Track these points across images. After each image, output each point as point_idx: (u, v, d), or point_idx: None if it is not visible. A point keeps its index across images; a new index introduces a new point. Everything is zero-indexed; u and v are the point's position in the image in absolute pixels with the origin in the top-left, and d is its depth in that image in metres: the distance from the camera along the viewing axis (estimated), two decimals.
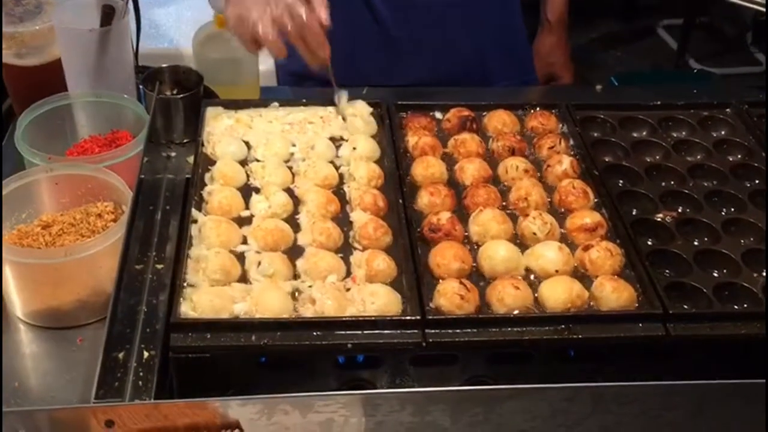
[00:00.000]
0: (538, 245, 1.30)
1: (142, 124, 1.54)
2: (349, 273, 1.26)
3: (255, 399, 1.02)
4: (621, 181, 1.49)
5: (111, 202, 1.43)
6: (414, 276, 1.23)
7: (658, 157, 1.55)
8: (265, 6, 1.47)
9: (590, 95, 1.91)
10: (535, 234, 1.32)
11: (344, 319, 1.17)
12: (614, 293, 1.22)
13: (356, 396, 1.06)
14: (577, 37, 2.32)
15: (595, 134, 1.60)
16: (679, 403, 1.08)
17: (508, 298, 1.20)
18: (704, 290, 1.26)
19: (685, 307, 1.23)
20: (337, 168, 1.46)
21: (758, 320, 1.20)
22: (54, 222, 1.40)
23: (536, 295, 1.24)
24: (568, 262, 1.28)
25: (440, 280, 1.24)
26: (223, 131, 1.51)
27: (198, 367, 1.14)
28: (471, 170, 1.45)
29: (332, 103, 1.57)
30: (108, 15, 1.67)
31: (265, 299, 1.18)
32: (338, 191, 1.42)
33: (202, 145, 1.47)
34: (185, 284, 1.21)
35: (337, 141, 1.52)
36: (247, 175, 1.43)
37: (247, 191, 1.39)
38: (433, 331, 1.16)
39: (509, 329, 1.17)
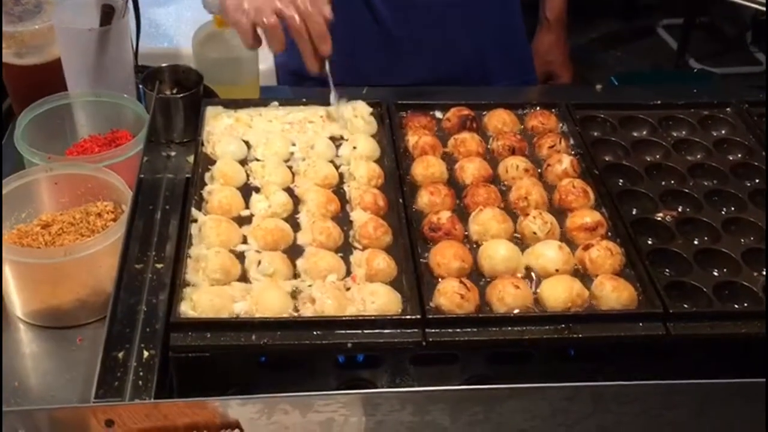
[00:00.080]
0: (538, 244, 1.30)
1: (142, 123, 1.54)
2: (349, 272, 1.26)
3: (255, 398, 1.02)
4: (621, 181, 1.49)
5: (111, 201, 1.43)
6: (414, 275, 1.23)
7: (658, 157, 1.55)
8: None
9: (590, 95, 1.91)
10: (535, 233, 1.32)
11: (344, 318, 1.17)
12: (614, 292, 1.22)
13: (356, 395, 1.06)
14: (577, 36, 2.33)
15: (595, 133, 1.60)
16: (679, 402, 1.08)
17: (508, 297, 1.20)
18: (704, 289, 1.25)
19: (686, 306, 1.23)
20: (337, 167, 1.46)
21: (758, 319, 1.20)
22: (54, 221, 1.40)
23: (536, 294, 1.24)
24: (569, 261, 1.28)
25: (440, 280, 1.24)
26: (223, 131, 1.51)
27: (198, 366, 1.14)
28: (471, 169, 1.45)
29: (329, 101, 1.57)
30: (107, 14, 1.67)
31: (265, 299, 1.18)
32: (338, 191, 1.41)
33: (202, 144, 1.47)
34: (185, 284, 1.20)
35: (337, 140, 1.51)
36: (247, 175, 1.43)
37: (247, 191, 1.39)
38: (433, 330, 1.16)
39: (509, 328, 1.17)
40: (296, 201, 1.38)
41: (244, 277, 1.24)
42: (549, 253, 1.28)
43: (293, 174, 1.44)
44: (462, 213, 1.37)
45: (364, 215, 1.34)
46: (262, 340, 1.13)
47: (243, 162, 1.45)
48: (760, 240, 1.36)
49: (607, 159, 1.53)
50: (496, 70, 2.03)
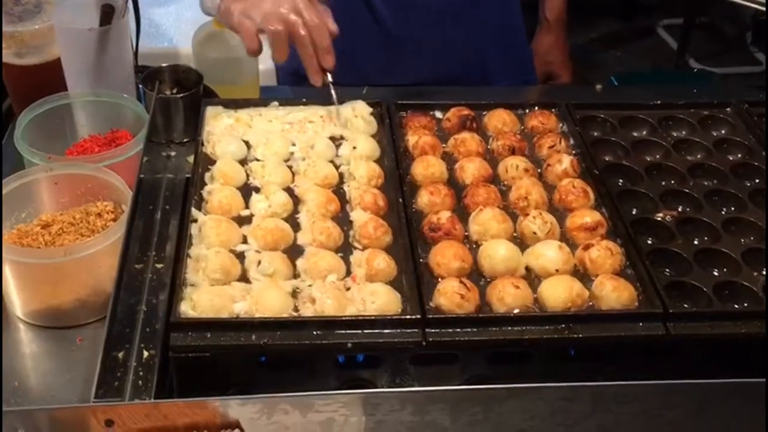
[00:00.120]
0: (538, 244, 1.30)
1: (142, 123, 1.54)
2: (349, 272, 1.26)
3: (255, 398, 1.02)
4: (621, 181, 1.49)
5: (111, 201, 1.43)
6: (414, 275, 1.23)
7: (658, 157, 1.55)
8: (274, 5, 1.47)
9: (590, 95, 1.91)
10: (535, 233, 1.32)
11: (344, 318, 1.17)
12: (614, 292, 1.22)
13: (356, 395, 1.06)
14: (577, 36, 2.33)
15: (595, 133, 1.60)
16: (679, 402, 1.08)
17: (508, 297, 1.20)
18: (704, 289, 1.25)
19: (686, 306, 1.23)
20: (337, 167, 1.46)
21: (758, 319, 1.20)
22: (54, 221, 1.40)
23: (536, 294, 1.24)
24: (568, 261, 1.28)
25: (440, 280, 1.24)
26: (222, 131, 1.51)
27: (198, 366, 1.14)
28: (471, 169, 1.45)
29: (332, 104, 1.57)
30: (107, 14, 1.67)
31: (265, 298, 1.18)
32: (338, 190, 1.41)
33: (202, 144, 1.47)
34: (185, 283, 1.20)
35: (337, 140, 1.51)
36: (247, 175, 1.43)
37: (247, 191, 1.39)
38: (433, 330, 1.16)
39: (509, 328, 1.17)
40: (296, 201, 1.38)
41: (244, 277, 1.24)
42: (549, 253, 1.28)
43: (293, 174, 1.44)
44: (462, 213, 1.37)
45: (364, 215, 1.34)
46: (262, 340, 1.13)
47: (243, 162, 1.45)
48: (760, 240, 1.36)
49: (607, 159, 1.53)
50: (496, 70, 2.03)
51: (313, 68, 1.50)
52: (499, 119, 1.58)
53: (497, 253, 1.28)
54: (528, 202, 1.38)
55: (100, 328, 1.19)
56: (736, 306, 1.25)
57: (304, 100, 1.60)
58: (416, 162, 1.47)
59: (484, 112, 1.61)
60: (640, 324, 1.19)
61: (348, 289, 1.22)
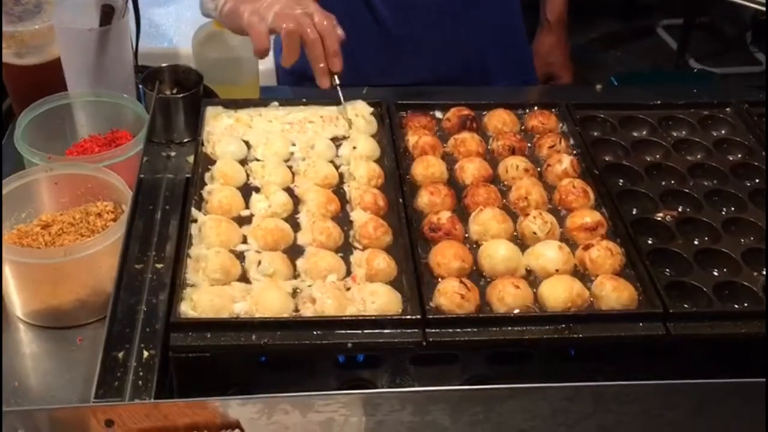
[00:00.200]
0: (538, 244, 1.30)
1: (142, 123, 1.54)
2: (349, 272, 1.26)
3: (255, 398, 1.02)
4: (621, 181, 1.49)
5: (111, 201, 1.43)
6: (414, 275, 1.23)
7: (658, 157, 1.55)
8: (285, 8, 1.48)
9: (590, 95, 1.91)
10: (535, 233, 1.32)
11: (344, 318, 1.17)
12: (614, 292, 1.22)
13: (356, 395, 1.06)
14: (577, 37, 2.33)
15: (595, 133, 1.60)
16: (679, 402, 1.08)
17: (508, 297, 1.20)
18: (704, 289, 1.25)
19: (686, 306, 1.23)
20: (337, 167, 1.46)
21: (758, 319, 1.20)
22: (54, 221, 1.40)
23: (536, 294, 1.24)
24: (569, 261, 1.28)
25: (440, 280, 1.24)
26: (223, 131, 1.51)
27: (198, 366, 1.14)
28: (471, 169, 1.45)
29: (332, 103, 1.57)
30: (107, 14, 1.67)
31: (265, 299, 1.18)
32: (338, 191, 1.41)
33: (202, 144, 1.47)
34: (185, 284, 1.20)
35: (337, 140, 1.51)
36: (247, 175, 1.43)
37: (247, 191, 1.39)
38: (433, 330, 1.16)
39: (509, 328, 1.17)
40: (296, 201, 1.38)
41: (244, 277, 1.24)
42: (549, 253, 1.28)
43: (293, 174, 1.44)
44: (462, 213, 1.37)
45: (364, 215, 1.34)
46: (262, 340, 1.13)
47: (243, 162, 1.45)
48: (760, 240, 1.36)
49: (607, 159, 1.53)
50: (496, 70, 2.03)
51: (321, 71, 1.51)
52: (499, 119, 1.58)
53: (497, 253, 1.28)
54: (528, 202, 1.38)
55: (100, 328, 1.19)
56: (736, 306, 1.25)
57: (304, 100, 1.60)
58: (416, 162, 1.47)
59: (484, 112, 1.61)
60: (641, 324, 1.19)
61: (348, 289, 1.22)
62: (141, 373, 1.14)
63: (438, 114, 1.61)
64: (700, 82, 3.32)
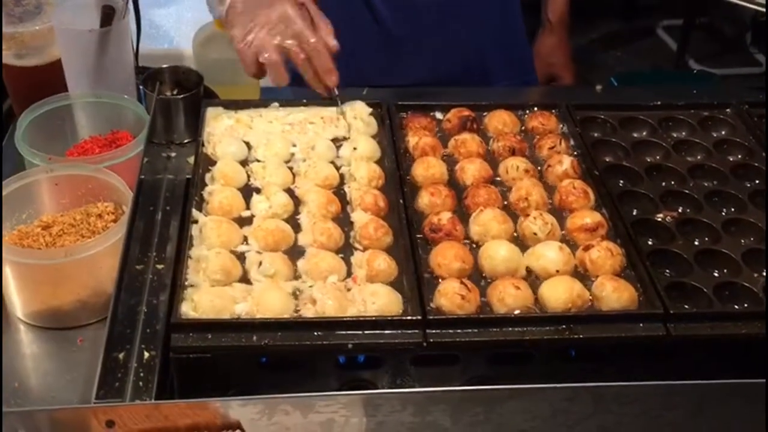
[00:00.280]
0: (538, 245, 1.30)
1: (143, 124, 1.54)
2: (349, 273, 1.26)
3: (256, 399, 1.02)
4: (621, 181, 1.49)
5: (111, 202, 1.43)
6: (415, 276, 1.23)
7: (658, 158, 1.55)
8: (272, 30, 1.47)
9: (590, 95, 1.91)
10: (535, 234, 1.32)
11: (345, 319, 1.17)
12: (615, 293, 1.22)
13: (357, 396, 1.06)
14: (576, 37, 2.33)
15: (596, 134, 1.60)
16: (679, 403, 1.08)
17: (508, 298, 1.20)
18: (705, 290, 1.26)
19: (686, 307, 1.23)
20: (337, 168, 1.46)
21: (758, 320, 1.20)
22: (54, 222, 1.40)
23: (537, 295, 1.24)
24: (569, 262, 1.28)
25: (441, 280, 1.24)
26: (223, 131, 1.51)
27: (199, 367, 1.14)
28: (471, 170, 1.45)
29: (332, 104, 1.57)
30: (108, 15, 1.67)
31: (265, 299, 1.18)
32: (339, 191, 1.41)
33: (203, 145, 1.47)
34: (186, 284, 1.20)
35: (337, 141, 1.52)
36: (248, 176, 1.43)
37: (247, 191, 1.39)
38: (433, 331, 1.16)
39: (510, 329, 1.17)
40: (297, 202, 1.38)
41: (244, 278, 1.24)
42: (549, 254, 1.28)
43: (294, 175, 1.44)
44: (462, 214, 1.37)
45: (365, 216, 1.34)
46: (263, 340, 1.13)
47: (243, 163, 1.45)
48: (760, 241, 1.36)
49: (607, 160, 1.54)
50: (497, 70, 2.03)
51: (317, 85, 1.52)
52: (499, 120, 1.58)
53: (498, 253, 1.28)
54: (528, 202, 1.39)
55: (101, 329, 1.19)
56: (736, 307, 1.25)
57: (304, 101, 1.60)
58: (417, 163, 1.47)
59: (485, 113, 1.61)
60: (641, 325, 1.19)
61: (349, 289, 1.22)
62: (142, 374, 1.14)
63: (438, 115, 1.61)
64: (701, 83, 3.32)
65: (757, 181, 1.50)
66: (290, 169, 1.45)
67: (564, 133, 1.58)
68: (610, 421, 1.07)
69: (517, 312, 1.20)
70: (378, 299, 1.19)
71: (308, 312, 1.18)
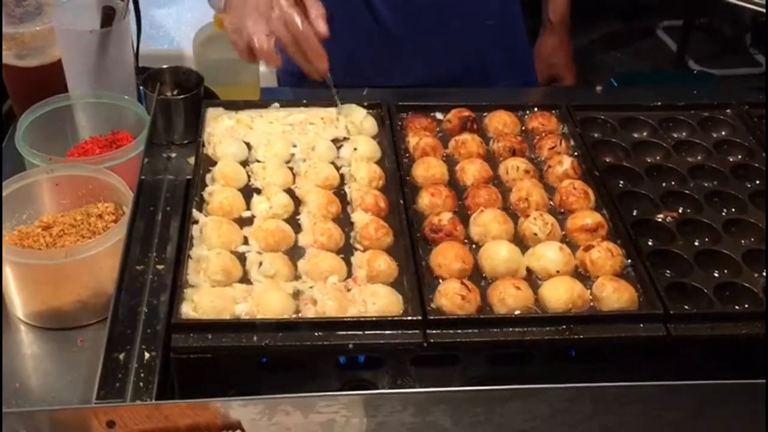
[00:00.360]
0: (539, 246, 1.30)
1: (143, 125, 1.54)
2: (350, 274, 1.26)
3: (256, 399, 1.02)
4: (621, 182, 1.49)
5: (112, 203, 1.43)
6: (415, 276, 1.23)
7: (658, 158, 1.55)
8: (261, 16, 1.47)
9: (590, 96, 1.91)
10: (536, 234, 1.32)
11: (345, 319, 1.17)
12: (615, 293, 1.22)
13: (358, 396, 1.06)
14: (577, 38, 2.32)
15: (596, 135, 1.60)
16: (679, 403, 1.08)
17: (509, 298, 1.20)
18: (705, 290, 1.26)
19: (686, 307, 1.23)
20: (338, 169, 1.46)
21: (759, 320, 1.20)
22: (54, 223, 1.40)
23: (537, 295, 1.24)
24: (569, 262, 1.28)
25: (441, 281, 1.24)
26: (223, 132, 1.52)
27: (199, 367, 1.14)
28: (472, 171, 1.45)
29: (333, 104, 1.58)
30: (108, 16, 1.67)
31: (266, 300, 1.18)
32: (339, 192, 1.42)
33: (203, 145, 1.47)
34: (186, 285, 1.21)
35: (338, 142, 1.52)
36: (248, 176, 1.43)
37: (248, 192, 1.39)
38: (434, 331, 1.16)
39: (510, 329, 1.17)
40: (297, 202, 1.38)
41: (245, 279, 1.24)
42: (550, 255, 1.28)
43: (294, 175, 1.44)
44: (463, 214, 1.37)
45: (365, 216, 1.34)
46: (263, 341, 1.13)
47: (244, 163, 1.46)
48: (760, 241, 1.36)
49: (607, 160, 1.54)
50: (497, 71, 2.03)
51: (307, 69, 1.51)
52: (499, 120, 1.58)
53: (498, 254, 1.28)
54: (529, 203, 1.39)
55: (101, 330, 1.19)
56: (736, 307, 1.25)
57: (304, 101, 1.60)
58: (417, 163, 1.47)
59: (485, 114, 1.61)
60: (641, 325, 1.19)
61: (349, 290, 1.22)
62: (142, 374, 1.14)
63: (439, 115, 1.61)
64: (701, 84, 3.33)
65: (757, 182, 1.50)
66: (290, 169, 1.45)
67: (564, 133, 1.58)
68: (610, 421, 1.07)
69: (517, 312, 1.20)
70: (378, 300, 1.19)
71: (309, 312, 1.18)
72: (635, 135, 1.61)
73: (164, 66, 1.69)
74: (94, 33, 1.63)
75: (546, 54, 2.18)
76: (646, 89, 1.91)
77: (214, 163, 1.43)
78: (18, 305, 1.34)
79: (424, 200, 1.39)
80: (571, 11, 2.18)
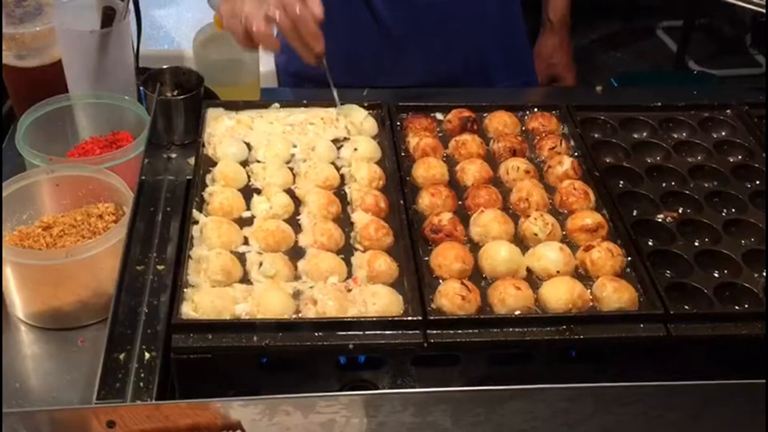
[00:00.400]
0: (539, 246, 1.31)
1: (143, 125, 1.54)
2: (350, 274, 1.26)
3: (257, 400, 1.02)
4: (622, 182, 1.49)
5: (112, 203, 1.43)
6: (415, 277, 1.23)
7: (658, 158, 1.55)
8: (257, 1, 1.47)
9: (591, 96, 1.91)
10: (536, 235, 1.32)
11: (346, 319, 1.17)
12: (615, 294, 1.22)
13: (358, 397, 1.06)
14: (577, 38, 2.33)
15: (596, 135, 1.60)
16: (679, 403, 1.08)
17: (509, 298, 1.20)
18: (705, 291, 1.26)
19: (686, 307, 1.23)
20: (338, 169, 1.46)
21: (759, 320, 1.20)
22: (55, 223, 1.40)
23: (537, 295, 1.24)
24: (569, 262, 1.28)
25: (441, 281, 1.24)
26: (223, 132, 1.52)
27: (199, 367, 1.14)
28: (472, 171, 1.45)
29: (333, 104, 1.58)
30: (108, 16, 1.67)
31: (266, 300, 1.18)
32: (339, 192, 1.42)
33: (203, 146, 1.47)
34: (186, 285, 1.21)
35: (338, 142, 1.52)
36: (248, 176, 1.43)
37: (248, 192, 1.39)
38: (434, 331, 1.16)
39: (510, 330, 1.17)
40: (297, 202, 1.38)
41: (245, 279, 1.24)
42: (550, 255, 1.28)
43: (294, 175, 1.44)
44: (463, 214, 1.37)
45: (366, 217, 1.34)
46: (263, 341, 1.13)
47: (244, 163, 1.46)
48: (760, 241, 1.36)
49: (607, 160, 1.54)
50: (497, 71, 2.03)
51: (304, 54, 1.51)
52: (499, 121, 1.59)
53: (498, 254, 1.28)
54: (529, 203, 1.39)
55: (102, 330, 1.19)
56: (736, 307, 1.25)
57: (305, 102, 1.60)
58: (417, 164, 1.47)
59: (485, 114, 1.61)
60: (641, 325, 1.19)
61: (349, 290, 1.22)
62: (142, 375, 1.14)
63: (439, 116, 1.61)
64: (701, 84, 3.33)
65: (757, 182, 1.50)
66: (291, 169, 1.45)
67: (564, 134, 1.58)
68: (610, 421, 1.07)
69: (517, 312, 1.20)
70: (378, 300, 1.19)
71: (309, 312, 1.18)
72: (635, 135, 1.61)
73: (164, 66, 1.69)
74: (94, 33, 1.63)
75: (546, 54, 2.19)
76: (646, 89, 1.91)
77: (215, 164, 1.43)
78: (18, 305, 1.34)
79: (425, 200, 1.39)
80: (571, 11, 2.18)
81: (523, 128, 1.60)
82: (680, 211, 1.43)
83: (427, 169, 1.45)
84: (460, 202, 1.40)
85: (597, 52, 4.66)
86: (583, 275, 1.28)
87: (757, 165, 1.53)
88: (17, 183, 1.39)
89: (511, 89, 2.05)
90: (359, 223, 1.33)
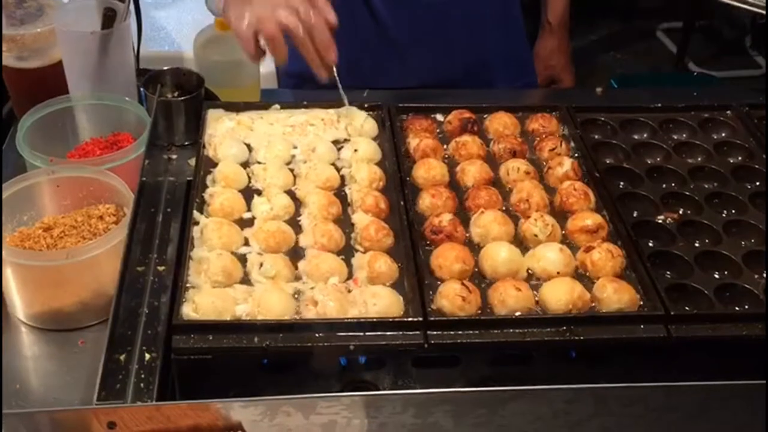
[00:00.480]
0: (539, 247, 1.31)
1: (144, 126, 1.54)
2: (350, 275, 1.26)
3: (257, 401, 1.02)
4: (622, 183, 1.49)
5: (112, 204, 1.43)
6: (415, 277, 1.23)
7: (658, 159, 1.55)
8: (269, 6, 1.45)
9: (591, 98, 1.91)
10: (536, 235, 1.32)
11: (346, 320, 1.17)
12: (616, 294, 1.22)
13: (359, 397, 1.06)
14: (577, 39, 2.33)
15: (596, 136, 1.60)
16: (680, 404, 1.08)
17: (509, 299, 1.20)
18: (705, 291, 1.26)
19: (687, 308, 1.23)
20: (338, 170, 1.46)
21: (759, 321, 1.20)
22: (55, 224, 1.40)
23: (538, 296, 1.24)
24: (570, 263, 1.28)
25: (442, 282, 1.24)
26: (224, 133, 1.52)
27: (200, 368, 1.14)
28: (472, 172, 1.45)
29: (333, 105, 1.58)
30: (109, 18, 1.67)
31: (267, 301, 1.18)
32: (340, 193, 1.42)
33: (204, 147, 1.47)
34: (187, 286, 1.21)
35: (338, 143, 1.52)
36: (249, 177, 1.43)
37: (248, 193, 1.39)
38: (434, 332, 1.16)
39: (511, 330, 1.17)
40: (298, 203, 1.38)
41: (246, 280, 1.24)
42: (550, 256, 1.28)
43: (295, 176, 1.44)
44: (463, 215, 1.37)
45: (366, 218, 1.34)
46: (264, 342, 1.13)
47: (244, 165, 1.46)
48: (760, 242, 1.36)
49: (607, 162, 1.54)
50: (497, 72, 2.03)
51: (316, 65, 1.48)
52: (500, 122, 1.59)
53: (499, 255, 1.28)
54: (529, 204, 1.39)
55: (102, 331, 1.19)
56: (737, 308, 1.25)
57: (305, 103, 1.60)
58: (417, 165, 1.47)
59: (485, 115, 1.61)
60: (642, 326, 1.19)
61: (350, 291, 1.22)
62: (143, 376, 1.14)
63: (439, 117, 1.61)
64: (701, 86, 3.33)
65: (757, 183, 1.50)
66: (291, 170, 1.45)
67: (564, 135, 1.58)
68: (611, 422, 1.07)
69: (518, 313, 1.20)
70: (379, 301, 1.19)
71: (309, 313, 1.18)
72: (635, 136, 1.61)
73: (165, 67, 1.69)
74: (94, 35, 1.63)
75: (545, 56, 2.19)
76: (646, 91, 1.91)
77: (215, 165, 1.43)
78: (19, 306, 1.34)
79: (425, 201, 1.39)
80: (571, 12, 2.19)
81: (524, 129, 1.60)
82: (680, 212, 1.43)
83: (428, 170, 1.45)
84: (460, 203, 1.40)
85: (597, 53, 4.66)
86: (584, 276, 1.28)
87: (757, 166, 1.53)
88: (18, 184, 1.39)
89: (512, 90, 2.05)
90: (359, 224, 1.33)
